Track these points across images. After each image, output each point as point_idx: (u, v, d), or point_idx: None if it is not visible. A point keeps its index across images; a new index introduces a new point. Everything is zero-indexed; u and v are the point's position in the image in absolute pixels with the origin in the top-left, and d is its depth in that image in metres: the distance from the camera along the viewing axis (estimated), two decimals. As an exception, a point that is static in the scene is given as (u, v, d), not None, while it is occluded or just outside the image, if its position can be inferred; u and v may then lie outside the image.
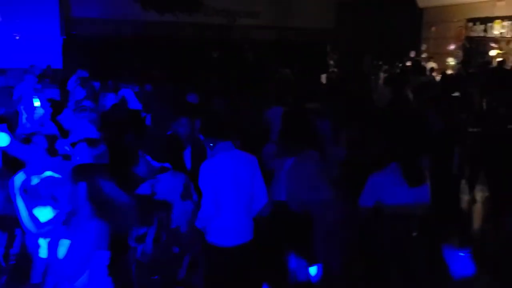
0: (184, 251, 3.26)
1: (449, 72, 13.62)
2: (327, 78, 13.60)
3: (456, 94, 8.65)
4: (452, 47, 16.20)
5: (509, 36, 14.53)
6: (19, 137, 3.84)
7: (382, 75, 12.08)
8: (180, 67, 12.18)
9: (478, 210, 6.45)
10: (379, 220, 3.81)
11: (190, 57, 13.48)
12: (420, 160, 3.90)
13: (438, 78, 12.56)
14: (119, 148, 3.85)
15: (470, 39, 15.88)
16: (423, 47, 16.62)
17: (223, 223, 3.52)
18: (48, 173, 3.07)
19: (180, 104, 6.00)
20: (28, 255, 3.17)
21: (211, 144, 3.64)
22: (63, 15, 13.33)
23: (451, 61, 15.68)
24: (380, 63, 15.38)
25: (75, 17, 13.94)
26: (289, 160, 4.23)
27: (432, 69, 13.57)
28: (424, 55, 16.32)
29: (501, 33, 14.69)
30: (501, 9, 14.70)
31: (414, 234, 3.89)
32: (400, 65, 14.62)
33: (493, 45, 14.64)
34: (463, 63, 13.67)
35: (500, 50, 14.39)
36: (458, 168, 5.24)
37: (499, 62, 13.38)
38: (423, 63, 14.41)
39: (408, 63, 15.12)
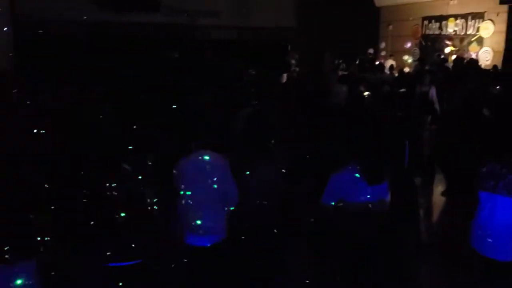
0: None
1: (406, 69, 13.95)
2: (288, 77, 13.67)
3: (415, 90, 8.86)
4: (409, 44, 16.63)
5: (462, 33, 15.02)
6: None
7: (340, 73, 12.23)
8: (138, 67, 11.97)
9: (434, 206, 6.65)
10: (341, 218, 3.84)
11: (149, 58, 13.31)
12: (379, 158, 3.93)
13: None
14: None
15: (426, 36, 16.34)
16: (382, 45, 16.98)
17: (197, 224, 3.58)
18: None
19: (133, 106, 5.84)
20: None
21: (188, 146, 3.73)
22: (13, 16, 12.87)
23: (408, 58, 16.10)
24: (340, 61, 15.61)
25: (27, 17, 13.51)
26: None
27: (391, 67, 13.86)
28: (383, 53, 16.68)
29: (454, 30, 15.17)
30: (454, 8, 15.19)
31: (376, 231, 3.94)
32: (357, 63, 14.88)
33: (448, 42, 15.10)
34: (419, 60, 14.01)
35: (454, 47, 14.87)
36: (413, 165, 5.29)
37: (454, 59, 13.80)
38: (382, 61, 14.70)
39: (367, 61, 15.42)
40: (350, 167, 3.81)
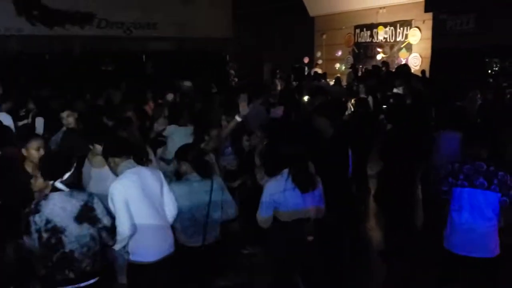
0: (78, 275, 3.10)
1: (339, 76, 14.37)
2: (228, 88, 13.75)
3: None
4: (340, 53, 17.17)
5: (392, 41, 15.69)
6: None
7: (278, 82, 12.45)
8: (72, 81, 11.66)
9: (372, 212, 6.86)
10: (276, 226, 3.88)
11: (83, 70, 13.06)
12: (310, 165, 4.00)
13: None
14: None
15: (358, 44, 16.92)
16: (318, 54, 17.41)
17: (143, 240, 3.50)
18: None
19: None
20: None
21: (112, 164, 3.62)
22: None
23: (341, 66, 16.61)
24: (277, 70, 15.89)
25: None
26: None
27: (325, 75, 14.24)
28: (319, 61, 17.11)
29: (385, 38, 15.82)
30: (383, 16, 15.85)
31: (310, 238, 4.01)
32: (299, 72, 15.23)
33: (379, 49, 15.71)
34: (352, 68, 14.49)
35: (385, 54, 15.49)
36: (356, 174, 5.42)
37: (384, 65, 14.39)
38: (315, 70, 15.05)
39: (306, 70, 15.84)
40: (282, 174, 3.85)
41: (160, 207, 3.65)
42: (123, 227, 3.38)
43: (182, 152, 4.01)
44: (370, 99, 9.10)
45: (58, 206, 3.07)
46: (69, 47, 14.32)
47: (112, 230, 3.29)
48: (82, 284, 3.14)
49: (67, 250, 3.08)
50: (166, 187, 3.73)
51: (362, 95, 8.98)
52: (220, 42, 16.68)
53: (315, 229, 4.04)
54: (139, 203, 3.51)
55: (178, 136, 5.52)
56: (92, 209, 3.18)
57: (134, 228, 3.44)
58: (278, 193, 3.78)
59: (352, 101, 9.03)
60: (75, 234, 3.10)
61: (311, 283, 4.09)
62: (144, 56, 15.85)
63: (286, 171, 3.84)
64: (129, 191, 3.48)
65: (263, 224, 3.86)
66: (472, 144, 3.74)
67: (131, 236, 3.44)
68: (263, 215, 3.83)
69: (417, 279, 4.79)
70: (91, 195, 3.26)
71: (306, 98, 8.04)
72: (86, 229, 3.14)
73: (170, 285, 3.68)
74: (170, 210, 3.72)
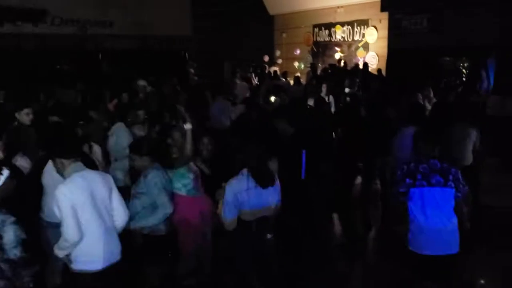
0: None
1: (298, 75, 14.49)
2: (188, 86, 13.63)
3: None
4: (298, 51, 17.32)
5: (350, 40, 15.96)
6: None
7: (238, 81, 12.43)
8: (25, 79, 11.30)
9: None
10: (239, 225, 3.88)
11: (36, 69, 12.68)
12: (272, 162, 4.03)
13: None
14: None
15: (317, 43, 17.12)
16: (277, 53, 17.49)
17: (89, 247, 3.40)
18: None
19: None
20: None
21: (59, 166, 3.50)
22: None
23: (300, 64, 16.75)
24: (238, 69, 15.86)
25: None
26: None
27: (285, 73, 14.32)
28: (279, 61, 17.19)
29: (342, 37, 16.07)
30: (341, 15, 16.09)
31: (269, 236, 4.04)
32: (259, 71, 15.22)
33: (337, 48, 15.94)
34: (311, 67, 14.64)
35: (343, 53, 15.74)
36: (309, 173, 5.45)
37: (343, 63, 14.63)
38: (274, 69, 15.10)
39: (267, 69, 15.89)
40: (243, 175, 3.86)
41: (109, 213, 3.53)
42: (69, 234, 3.27)
43: (136, 147, 4.00)
44: (331, 99, 9.22)
45: None
46: (22, 45, 13.85)
47: (19, 265, 2.90)
48: None
49: None
50: (115, 192, 3.62)
51: (323, 95, 9.08)
52: (180, 40, 16.52)
53: (274, 227, 4.09)
54: (86, 209, 3.37)
55: (120, 135, 5.49)
56: None
57: (81, 235, 3.31)
58: (241, 192, 3.80)
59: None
60: None
61: (268, 281, 4.12)
62: (100, 55, 15.51)
63: (246, 169, 3.85)
64: (76, 196, 3.34)
65: (229, 226, 3.86)
66: (427, 140, 3.79)
67: (76, 243, 3.32)
68: (230, 216, 3.82)
69: (378, 275, 4.87)
70: (3, 221, 2.89)
71: (273, 98, 8.13)
72: None
73: None
74: (120, 216, 3.62)
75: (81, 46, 14.78)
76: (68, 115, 5.81)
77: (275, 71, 15.14)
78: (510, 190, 7.04)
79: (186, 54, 16.91)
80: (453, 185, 3.65)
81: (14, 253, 2.86)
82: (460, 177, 3.70)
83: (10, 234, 2.85)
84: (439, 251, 3.66)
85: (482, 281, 5.07)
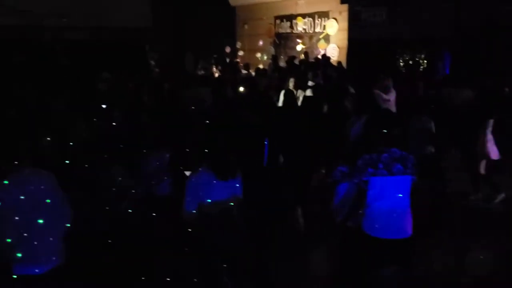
0: None
1: (261, 67, 14.50)
2: (149, 78, 13.42)
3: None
4: (261, 43, 17.32)
5: (311, 32, 16.07)
6: None
7: (200, 73, 12.34)
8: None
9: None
10: (201, 219, 3.86)
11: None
12: (231, 154, 4.01)
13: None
14: None
15: (279, 35, 17.17)
16: (238, 44, 17.43)
17: (29, 250, 3.22)
18: None
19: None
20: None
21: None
22: None
23: (262, 56, 16.77)
24: (200, 61, 15.73)
25: None
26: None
27: (247, 65, 14.29)
28: (240, 53, 17.14)
29: (304, 29, 16.17)
30: (302, 7, 16.19)
31: (232, 228, 4.04)
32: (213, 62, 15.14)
33: (298, 40, 16.03)
34: (273, 59, 14.67)
35: (304, 44, 15.84)
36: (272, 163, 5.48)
37: (304, 56, 14.73)
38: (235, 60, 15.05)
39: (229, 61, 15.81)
40: (203, 167, 3.85)
41: (49, 214, 3.31)
42: (3, 235, 3.12)
43: None
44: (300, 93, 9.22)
45: None
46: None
47: None
48: None
49: None
50: (59, 192, 3.43)
51: (290, 88, 9.11)
52: (139, 31, 16.22)
53: (238, 220, 4.08)
54: (23, 209, 3.18)
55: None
56: None
57: (17, 239, 3.15)
58: (202, 184, 3.78)
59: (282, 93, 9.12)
60: None
61: (235, 273, 4.14)
62: (57, 47, 15.04)
63: (206, 162, 3.85)
64: (11, 198, 3.15)
65: (189, 219, 3.84)
66: (379, 127, 3.87)
67: (13, 247, 3.16)
68: (189, 209, 3.80)
69: (340, 263, 4.93)
70: None
71: (241, 89, 8.10)
72: None
73: None
74: (63, 217, 3.44)
75: (37, 38, 14.31)
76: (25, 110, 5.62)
77: (237, 62, 15.09)
78: (467, 178, 7.28)
79: (147, 46, 16.62)
80: (411, 172, 3.77)
81: None
82: (415, 163, 3.82)
83: None
84: (394, 235, 3.79)
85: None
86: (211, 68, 14.92)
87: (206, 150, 3.88)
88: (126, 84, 9.52)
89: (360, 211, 3.90)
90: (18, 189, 3.19)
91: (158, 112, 6.05)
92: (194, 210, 3.81)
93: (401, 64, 13.74)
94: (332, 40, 15.49)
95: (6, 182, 3.17)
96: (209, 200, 3.81)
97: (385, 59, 12.86)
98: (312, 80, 10.03)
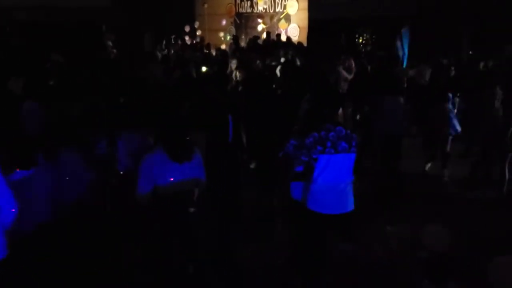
0: None
1: (223, 47, 14.30)
2: (106, 59, 13.00)
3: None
4: (224, 22, 17.04)
5: (272, 11, 15.92)
6: None
7: (159, 54, 12.05)
8: None
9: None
10: (156, 202, 3.79)
11: None
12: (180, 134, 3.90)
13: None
14: None
15: (240, 15, 16.93)
16: (196, 24, 17.07)
17: None
18: None
19: None
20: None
21: None
22: None
23: (226, 35, 16.51)
24: (164, 41, 15.35)
25: None
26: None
27: (208, 45, 14.06)
28: (198, 32, 16.80)
29: (264, 8, 15.99)
30: (263, -13, 15.96)
31: (192, 209, 3.98)
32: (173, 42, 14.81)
33: (259, 20, 15.86)
34: (233, 38, 14.48)
35: (265, 24, 15.69)
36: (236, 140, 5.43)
37: (266, 35, 14.60)
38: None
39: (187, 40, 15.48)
40: (157, 148, 3.78)
41: None
42: None
43: None
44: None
45: None
46: None
47: None
48: None
49: None
50: (2, 184, 3.21)
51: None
52: (95, 12, 15.65)
53: (198, 201, 4.03)
54: None
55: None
56: None
57: None
58: (156, 166, 3.70)
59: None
60: None
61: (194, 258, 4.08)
62: (8, 28, 14.37)
63: (160, 143, 3.78)
64: None
65: (142, 201, 3.75)
66: (324, 107, 4.01)
67: None
68: (142, 191, 3.71)
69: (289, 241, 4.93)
70: None
71: (204, 68, 7.95)
72: None
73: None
74: (7, 211, 3.24)
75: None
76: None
77: (197, 42, 14.83)
78: (424, 157, 7.41)
79: (103, 27, 16.07)
80: (355, 150, 3.94)
81: None
82: (357, 141, 4.01)
83: None
84: (338, 210, 3.94)
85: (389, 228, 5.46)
86: (171, 48, 14.59)
87: (161, 130, 3.79)
88: (79, 66, 9.16)
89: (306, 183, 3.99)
90: None
91: (116, 94, 5.87)
92: (146, 191, 3.72)
93: (361, 43, 13.85)
94: (293, 19, 15.39)
95: None
96: (164, 183, 3.73)
97: (346, 39, 12.90)
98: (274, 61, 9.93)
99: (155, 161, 3.72)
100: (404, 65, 8.95)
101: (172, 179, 3.75)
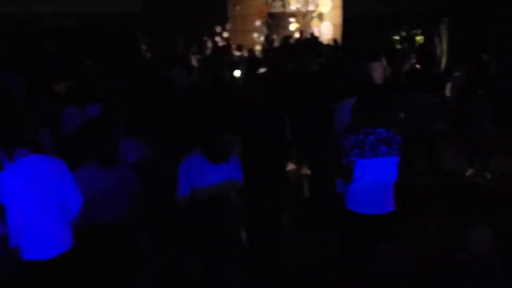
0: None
1: (258, 48, 14.24)
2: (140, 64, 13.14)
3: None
4: (258, 23, 16.98)
5: (304, 10, 15.77)
6: None
7: (192, 57, 12.09)
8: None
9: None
10: (195, 205, 3.77)
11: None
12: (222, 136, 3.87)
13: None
14: None
15: (271, 15, 16.84)
16: (227, 26, 17.08)
17: (35, 236, 3.26)
18: None
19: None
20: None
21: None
22: None
23: (259, 36, 16.45)
24: (194, 46, 15.43)
25: None
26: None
27: (240, 46, 14.01)
28: (225, 34, 16.79)
29: (297, 7, 15.85)
30: (294, -14, 15.82)
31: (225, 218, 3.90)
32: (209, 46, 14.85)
33: (291, 19, 15.73)
34: (266, 39, 14.41)
35: (298, 23, 15.55)
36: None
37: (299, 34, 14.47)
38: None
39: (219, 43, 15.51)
40: (195, 151, 3.76)
41: (57, 198, 3.36)
42: (12, 222, 3.17)
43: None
44: None
45: None
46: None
47: None
48: None
49: None
50: (68, 177, 3.43)
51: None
52: (128, 16, 15.88)
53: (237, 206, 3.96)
54: (29, 195, 3.23)
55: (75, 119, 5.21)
56: None
57: (24, 223, 3.21)
58: (194, 168, 3.72)
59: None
60: None
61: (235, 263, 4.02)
62: (43, 34, 14.73)
63: (197, 145, 3.77)
64: (19, 183, 3.20)
65: (183, 203, 3.76)
66: (369, 108, 3.92)
67: (21, 231, 3.21)
68: (182, 193, 3.73)
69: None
70: None
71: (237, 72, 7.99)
72: None
73: (68, 282, 3.42)
74: (72, 202, 3.45)
75: (23, 26, 14.01)
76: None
77: (225, 45, 14.84)
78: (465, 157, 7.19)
79: (138, 31, 16.31)
80: (397, 153, 3.84)
81: None
82: (402, 143, 3.89)
83: None
84: (377, 210, 3.89)
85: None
86: (204, 52, 14.65)
87: (197, 133, 3.79)
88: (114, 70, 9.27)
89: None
90: (24, 174, 3.24)
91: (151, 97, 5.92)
92: (186, 194, 3.73)
93: (396, 40, 13.56)
94: (326, 18, 15.18)
95: (12, 167, 3.23)
96: (203, 185, 3.72)
97: (381, 37, 12.65)
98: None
99: (193, 164, 3.73)
100: (444, 63, 8.69)
101: (211, 181, 3.74)
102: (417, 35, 12.72)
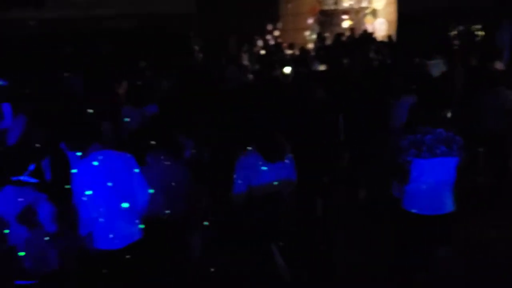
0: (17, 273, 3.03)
1: (309, 46, 14.13)
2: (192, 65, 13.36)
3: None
4: (310, 21, 16.86)
5: (357, 7, 15.51)
6: None
7: (244, 56, 12.15)
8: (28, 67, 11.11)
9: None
10: (250, 202, 3.80)
11: (39, 56, 12.45)
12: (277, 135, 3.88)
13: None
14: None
15: (323, 12, 16.68)
16: (279, 24, 17.05)
17: (106, 226, 3.43)
18: None
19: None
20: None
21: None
22: None
23: (311, 34, 16.34)
24: (246, 43, 15.52)
25: None
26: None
27: (292, 44, 13.95)
28: (276, 32, 16.74)
29: (350, 4, 15.61)
30: (347, -18, 15.59)
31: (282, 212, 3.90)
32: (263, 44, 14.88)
33: (344, 16, 15.50)
34: (318, 37, 14.28)
35: (351, 20, 15.31)
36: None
37: (350, 31, 14.24)
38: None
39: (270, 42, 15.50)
40: (250, 149, 3.79)
41: (127, 191, 3.51)
42: (85, 211, 3.33)
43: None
44: None
45: (8, 199, 3.03)
46: (25, 31, 13.66)
47: (56, 236, 3.17)
48: (18, 283, 3.05)
49: (9, 245, 3.01)
50: (136, 172, 3.59)
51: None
52: (182, 18, 16.20)
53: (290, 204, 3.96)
54: (101, 187, 3.39)
55: (132, 118, 5.37)
56: (35, 213, 3.06)
57: (97, 214, 3.37)
58: (249, 167, 3.75)
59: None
60: (18, 232, 3.01)
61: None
62: (100, 37, 15.25)
63: (253, 144, 3.79)
64: (92, 175, 3.38)
65: (238, 200, 3.80)
66: (430, 107, 3.78)
67: (93, 222, 3.37)
68: (238, 190, 3.78)
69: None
70: (40, 197, 3.13)
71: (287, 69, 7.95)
72: (24, 232, 3.03)
73: (138, 272, 3.55)
74: (140, 195, 3.61)
75: (82, 29, 14.56)
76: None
77: (277, 43, 14.81)
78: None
79: (191, 33, 16.58)
80: (456, 153, 3.69)
81: (53, 226, 3.16)
82: (463, 144, 3.73)
83: (46, 209, 3.14)
84: (435, 211, 3.77)
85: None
86: (255, 50, 14.69)
87: (253, 131, 3.82)
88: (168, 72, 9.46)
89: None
90: (97, 168, 3.39)
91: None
92: (242, 192, 3.77)
93: (454, 36, 13.05)
94: (380, 14, 14.87)
95: (90, 161, 3.40)
96: (258, 182, 3.75)
97: (437, 33, 12.20)
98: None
99: (249, 162, 3.77)
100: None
101: (266, 179, 3.76)
102: (478, 30, 12.19)
